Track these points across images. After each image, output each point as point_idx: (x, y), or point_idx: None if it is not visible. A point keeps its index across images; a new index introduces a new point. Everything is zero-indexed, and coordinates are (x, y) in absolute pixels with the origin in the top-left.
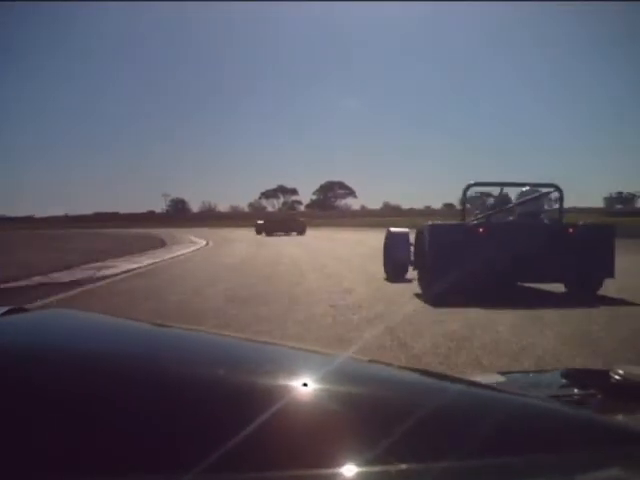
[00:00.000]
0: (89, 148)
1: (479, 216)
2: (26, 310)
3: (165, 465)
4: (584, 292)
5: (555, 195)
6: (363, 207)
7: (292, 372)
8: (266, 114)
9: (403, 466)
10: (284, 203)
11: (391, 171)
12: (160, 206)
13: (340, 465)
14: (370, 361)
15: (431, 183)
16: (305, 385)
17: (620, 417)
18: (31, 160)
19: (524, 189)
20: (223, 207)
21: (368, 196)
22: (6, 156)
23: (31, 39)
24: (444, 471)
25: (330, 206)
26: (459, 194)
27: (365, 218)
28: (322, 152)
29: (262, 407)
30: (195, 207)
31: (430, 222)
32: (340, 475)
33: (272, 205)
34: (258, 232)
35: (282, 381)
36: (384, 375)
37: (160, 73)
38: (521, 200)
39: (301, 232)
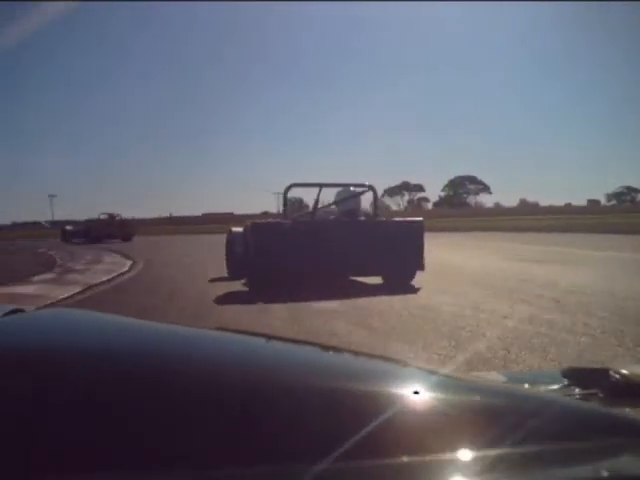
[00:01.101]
0: (206, 149)
1: (301, 215)
2: (28, 310)
3: (169, 464)
4: (399, 283)
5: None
6: (497, 204)
7: (292, 367)
8: (391, 104)
9: (407, 462)
10: (409, 201)
11: (528, 164)
12: (275, 206)
13: (342, 461)
14: (369, 356)
15: (574, 177)
16: (301, 379)
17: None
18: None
19: (339, 189)
20: None
21: (503, 192)
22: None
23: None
24: (447, 466)
25: (461, 203)
26: (605, 189)
27: (498, 217)
28: (450, 144)
29: (266, 405)
30: None
31: (251, 221)
32: (344, 470)
33: (396, 203)
34: (64, 239)
35: (282, 377)
36: (383, 371)
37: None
38: (338, 199)
39: (126, 239)
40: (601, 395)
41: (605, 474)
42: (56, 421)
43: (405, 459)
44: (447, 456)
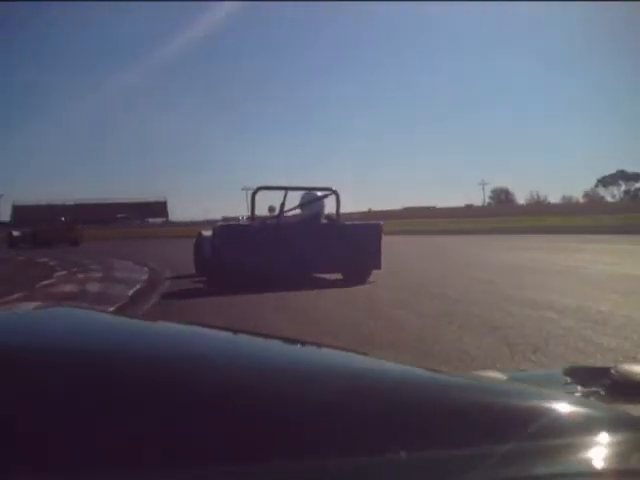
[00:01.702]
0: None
1: (267, 217)
2: (26, 307)
3: (168, 464)
4: (357, 280)
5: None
6: None
7: (290, 366)
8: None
9: (406, 462)
10: (626, 192)
11: None
12: (480, 198)
13: (337, 459)
14: (366, 355)
15: None
16: (302, 379)
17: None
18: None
19: (304, 193)
20: (554, 198)
21: None
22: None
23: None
24: (446, 466)
25: None
26: None
27: None
28: None
29: (263, 403)
30: (520, 198)
31: (220, 223)
32: (339, 470)
33: (611, 194)
34: (11, 245)
35: (282, 376)
36: (382, 370)
37: None
38: (303, 202)
39: (74, 243)
40: (602, 393)
41: (605, 472)
42: (54, 421)
43: (403, 459)
44: (446, 456)
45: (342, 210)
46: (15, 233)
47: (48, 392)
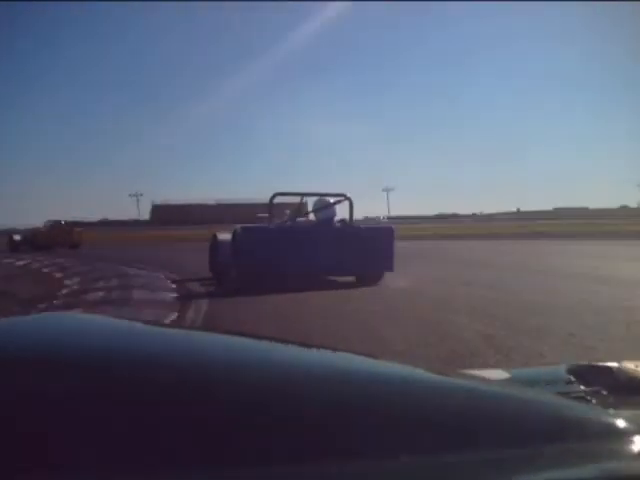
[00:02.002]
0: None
1: (284, 220)
2: (25, 315)
3: (168, 466)
4: (369, 281)
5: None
6: None
7: (290, 368)
8: None
9: (406, 462)
10: None
11: None
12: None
13: (340, 462)
14: (367, 357)
15: None
16: (305, 382)
17: (624, 413)
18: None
19: (316, 199)
20: None
21: None
22: None
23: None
24: (446, 466)
25: None
26: None
27: None
28: None
29: (264, 406)
30: None
31: (240, 225)
32: (341, 473)
33: None
34: (12, 249)
35: (280, 378)
36: (384, 372)
37: None
38: (318, 207)
39: (73, 246)
40: (604, 392)
41: (604, 474)
42: (53, 423)
43: (403, 459)
44: (445, 456)
45: (489, 211)
46: (16, 237)
47: (41, 398)
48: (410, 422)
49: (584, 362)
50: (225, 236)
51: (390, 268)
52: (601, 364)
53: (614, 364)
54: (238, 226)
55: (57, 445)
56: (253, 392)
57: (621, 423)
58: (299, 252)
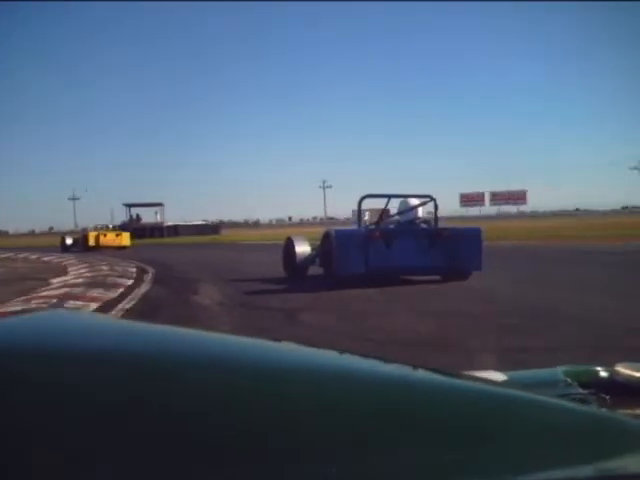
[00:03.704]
0: None
1: (373, 222)
2: (18, 313)
3: (169, 471)
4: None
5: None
6: None
7: (289, 370)
8: None
9: (404, 462)
10: None
11: None
12: None
13: (340, 462)
14: (367, 357)
15: None
16: (301, 382)
17: (622, 414)
18: None
19: (401, 200)
20: None
21: None
22: None
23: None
24: (445, 466)
25: None
26: None
27: None
28: None
29: (264, 408)
30: None
31: (334, 228)
32: (341, 473)
33: None
34: (65, 249)
35: (281, 380)
36: (381, 371)
37: None
38: (406, 209)
39: (121, 248)
40: (602, 394)
41: (604, 475)
42: (52, 424)
43: (402, 459)
44: (445, 457)
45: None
46: (68, 240)
47: (37, 398)
48: (410, 422)
49: (582, 364)
50: (300, 240)
51: (478, 267)
52: (599, 366)
53: (612, 366)
54: (332, 229)
55: (57, 445)
56: (252, 392)
57: (620, 425)
58: (391, 254)
